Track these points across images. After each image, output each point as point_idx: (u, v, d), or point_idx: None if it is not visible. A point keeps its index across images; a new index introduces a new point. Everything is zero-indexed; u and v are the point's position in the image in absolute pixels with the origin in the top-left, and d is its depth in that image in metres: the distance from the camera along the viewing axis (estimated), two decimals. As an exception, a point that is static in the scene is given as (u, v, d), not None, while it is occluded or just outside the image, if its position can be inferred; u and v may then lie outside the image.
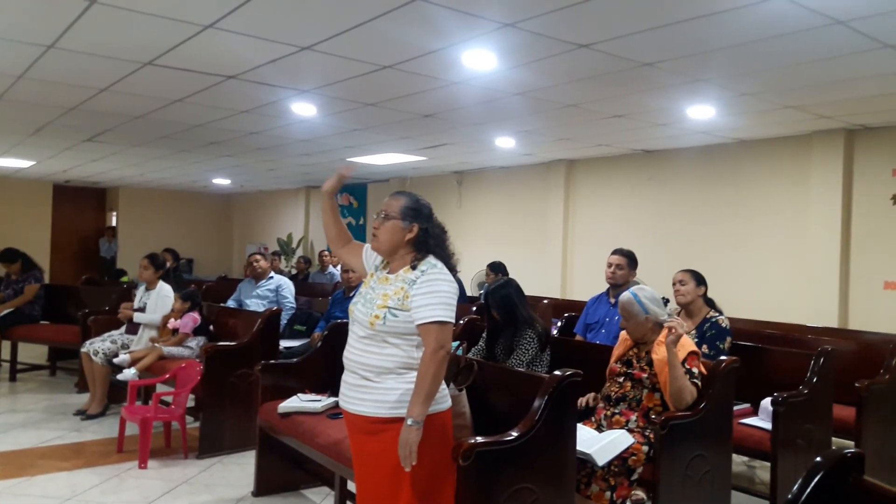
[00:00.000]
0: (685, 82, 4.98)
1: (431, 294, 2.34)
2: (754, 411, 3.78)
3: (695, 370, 3.09)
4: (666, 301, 4.03)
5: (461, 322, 4.63)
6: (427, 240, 2.46)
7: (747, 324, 5.19)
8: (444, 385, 2.46)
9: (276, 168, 11.02)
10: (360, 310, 2.44)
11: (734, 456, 3.70)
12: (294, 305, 6.34)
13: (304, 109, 6.33)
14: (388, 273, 2.49)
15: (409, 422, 2.25)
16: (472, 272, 9.05)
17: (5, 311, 6.59)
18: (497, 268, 7.41)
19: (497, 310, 3.82)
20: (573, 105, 5.79)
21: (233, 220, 17.28)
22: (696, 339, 3.98)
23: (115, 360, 5.15)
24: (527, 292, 8.06)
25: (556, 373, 2.77)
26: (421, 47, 4.36)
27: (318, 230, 14.05)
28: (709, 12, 3.61)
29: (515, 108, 5.90)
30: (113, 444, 4.62)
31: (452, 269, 2.48)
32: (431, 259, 2.44)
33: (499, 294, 3.82)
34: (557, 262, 9.28)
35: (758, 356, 4.06)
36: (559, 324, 5.32)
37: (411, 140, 7.76)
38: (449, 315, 2.35)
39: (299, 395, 3.79)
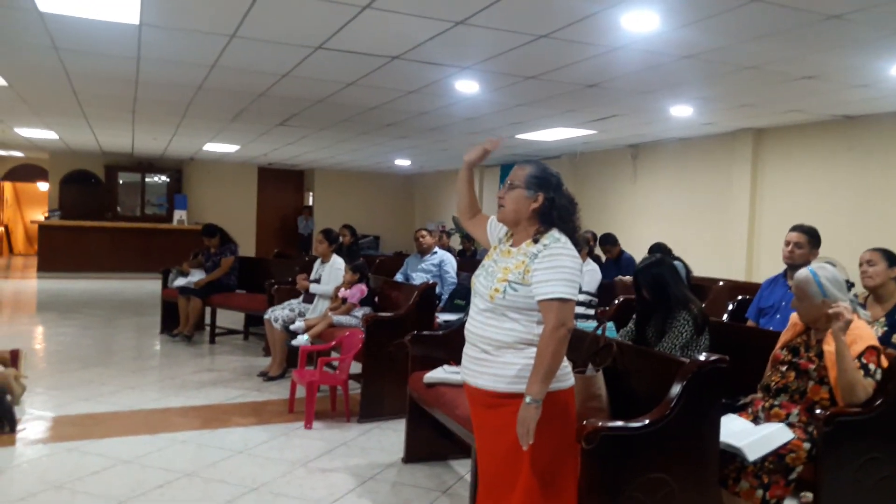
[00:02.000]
0: (883, 36, 4.34)
1: (553, 269, 2.24)
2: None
3: (871, 366, 2.69)
4: (850, 285, 3.55)
5: (616, 301, 4.43)
6: (551, 211, 2.36)
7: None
8: (566, 362, 2.36)
9: (448, 148, 11.25)
10: (481, 282, 2.41)
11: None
12: (455, 280, 6.46)
13: (466, 87, 6.38)
14: (511, 246, 2.43)
15: (528, 399, 2.19)
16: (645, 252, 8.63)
17: (207, 282, 7.38)
18: (657, 250, 6.95)
19: (648, 289, 3.58)
20: (753, 67, 5.27)
21: (414, 199, 17.97)
22: (885, 328, 3.48)
23: (292, 327, 5.58)
24: (707, 273, 7.66)
25: (699, 357, 2.55)
26: (576, 12, 4.19)
27: (489, 209, 14.14)
28: (909, -53, 3.10)
29: (686, 72, 5.49)
30: (286, 404, 5.00)
31: (577, 244, 2.35)
32: (555, 233, 2.34)
33: (650, 273, 3.58)
34: (742, 241, 8.59)
35: (968, 350, 3.45)
36: (730, 307, 4.90)
37: (577, 113, 7.54)
38: (571, 292, 2.24)
39: (444, 366, 3.85)
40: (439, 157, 12.85)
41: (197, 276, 7.41)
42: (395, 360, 4.74)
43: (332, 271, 5.94)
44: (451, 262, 6.51)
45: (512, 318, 2.31)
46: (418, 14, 4.35)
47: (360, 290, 5.59)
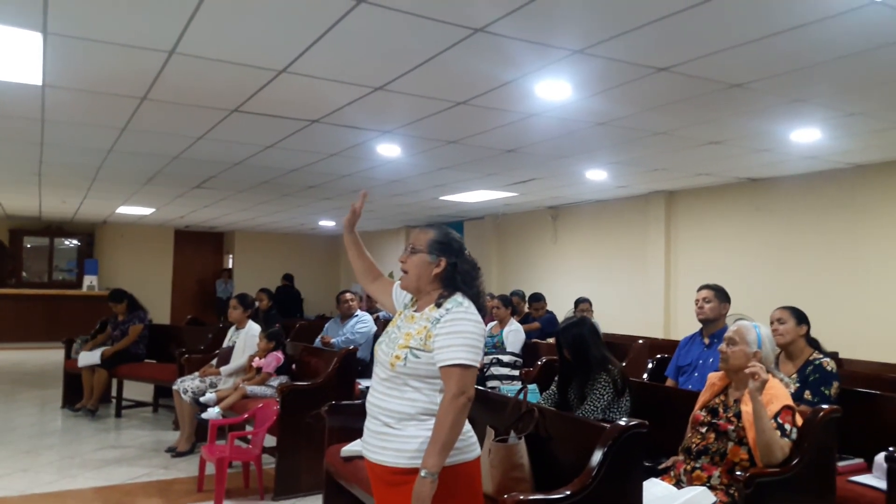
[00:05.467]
0: (782, 103, 4.60)
1: (455, 335, 2.16)
2: (869, 467, 3.30)
3: (787, 426, 2.72)
4: (777, 356, 3.63)
5: (539, 363, 4.41)
6: (454, 276, 2.31)
7: (866, 366, 4.63)
8: (471, 433, 2.26)
9: (374, 209, 11.22)
10: (382, 350, 2.31)
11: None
12: (361, 336, 6.31)
13: (388, 150, 6.39)
14: (414, 311, 2.35)
15: (423, 473, 2.07)
16: (568, 309, 8.74)
17: (114, 351, 6.96)
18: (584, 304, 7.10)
19: (569, 350, 3.57)
20: (662, 133, 5.49)
21: (340, 260, 17.77)
22: (797, 385, 3.56)
23: (202, 399, 5.27)
24: (626, 331, 7.78)
25: (619, 422, 2.52)
26: (491, 80, 4.27)
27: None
28: (799, 23, 3.28)
29: (599, 138, 5.67)
30: (195, 482, 4.68)
31: (481, 309, 2.30)
32: (458, 297, 2.28)
33: (570, 333, 3.58)
34: (659, 300, 8.81)
35: (875, 404, 3.56)
36: (650, 365, 4.96)
37: (498, 176, 7.66)
38: (473, 358, 2.16)
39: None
40: (365, 217, 12.65)
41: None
42: (312, 432, 4.53)
43: (247, 338, 5.70)
44: (362, 321, 6.39)
45: (413, 388, 2.20)
46: (336, 79, 4.34)
47: (276, 358, 5.37)
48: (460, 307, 2.23)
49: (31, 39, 3.73)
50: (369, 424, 2.31)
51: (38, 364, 10.84)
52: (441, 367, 2.15)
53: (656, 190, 8.68)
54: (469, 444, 2.23)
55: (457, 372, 2.12)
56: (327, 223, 14.15)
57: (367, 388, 5.31)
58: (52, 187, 9.44)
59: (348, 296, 6.63)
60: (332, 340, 6.36)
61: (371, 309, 8.76)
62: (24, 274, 14.69)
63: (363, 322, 6.44)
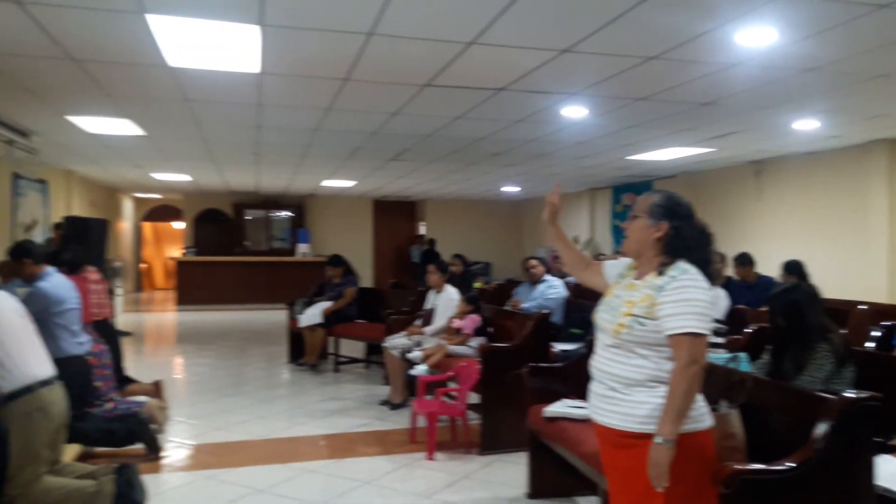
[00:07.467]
0: None
1: (683, 302, 2.14)
2: None
3: None
4: None
5: (747, 331, 4.20)
6: (676, 241, 2.26)
7: None
8: (703, 403, 2.24)
9: (557, 173, 11.15)
10: (603, 317, 2.34)
11: None
12: (553, 300, 6.36)
13: (574, 112, 6.32)
14: (634, 279, 2.35)
15: (659, 440, 2.10)
16: (775, 273, 8.14)
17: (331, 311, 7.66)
18: (793, 268, 6.40)
19: (783, 318, 3.36)
20: (882, 75, 4.91)
21: (523, 224, 17.91)
22: None
23: (409, 356, 5.68)
24: (845, 296, 7.10)
25: (847, 394, 2.37)
26: (687, 32, 4.07)
27: (603, 232, 13.91)
28: None
29: (808, 85, 5.20)
30: (408, 434, 5.07)
31: (710, 276, 2.23)
32: (682, 264, 2.24)
33: (784, 300, 3.35)
34: (882, 259, 7.94)
35: None
36: (875, 334, 4.54)
37: (693, 132, 7.28)
38: (703, 326, 2.13)
39: (565, 399, 3.78)
40: (548, 182, 12.75)
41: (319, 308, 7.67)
42: (512, 392, 4.70)
43: (446, 301, 6.03)
44: (553, 286, 6.46)
45: (640, 355, 2.22)
46: (522, 45, 4.37)
47: (474, 320, 5.61)
48: (686, 274, 2.20)
49: (251, 32, 4.16)
50: (595, 388, 2.37)
51: (263, 323, 12.18)
52: (670, 336, 2.15)
53: (876, 138, 7.78)
54: (700, 414, 2.21)
55: (687, 340, 2.11)
56: (511, 188, 14.30)
57: (563, 350, 5.43)
58: (267, 165, 10.47)
59: (533, 262, 6.74)
60: (523, 305, 6.50)
61: (562, 274, 8.79)
62: (247, 243, 16.45)
63: (554, 287, 6.52)
